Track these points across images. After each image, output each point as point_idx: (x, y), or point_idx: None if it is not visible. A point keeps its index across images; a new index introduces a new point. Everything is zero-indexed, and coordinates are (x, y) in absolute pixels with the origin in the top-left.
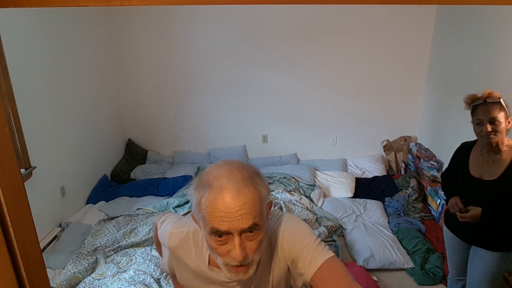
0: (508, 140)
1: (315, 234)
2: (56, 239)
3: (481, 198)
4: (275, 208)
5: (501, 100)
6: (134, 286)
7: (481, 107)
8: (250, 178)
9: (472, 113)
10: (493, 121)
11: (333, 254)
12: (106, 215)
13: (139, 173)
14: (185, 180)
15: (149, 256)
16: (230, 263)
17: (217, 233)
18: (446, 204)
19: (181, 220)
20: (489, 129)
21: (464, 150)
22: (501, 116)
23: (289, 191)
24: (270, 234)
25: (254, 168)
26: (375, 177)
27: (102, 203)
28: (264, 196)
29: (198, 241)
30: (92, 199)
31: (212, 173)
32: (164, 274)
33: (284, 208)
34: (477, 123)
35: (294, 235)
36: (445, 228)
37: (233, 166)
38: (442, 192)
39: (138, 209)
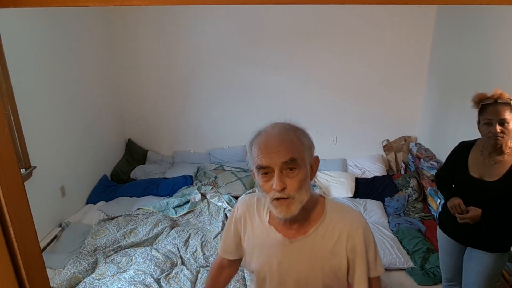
0: (511, 142)
1: None
2: (56, 239)
3: (480, 199)
4: None
5: None
6: (134, 286)
7: (491, 107)
8: (293, 129)
9: (480, 113)
10: (503, 123)
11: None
12: (106, 215)
13: (139, 173)
14: (185, 180)
15: (149, 256)
16: (273, 197)
17: (262, 169)
18: (444, 204)
19: (245, 195)
20: (498, 130)
21: (463, 149)
22: (510, 117)
23: None
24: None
25: (299, 127)
26: (375, 177)
27: (102, 203)
28: (305, 143)
29: (260, 206)
30: (92, 199)
31: (264, 128)
32: (164, 274)
33: None
34: (486, 123)
35: (361, 228)
36: (439, 231)
37: (280, 123)
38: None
39: (138, 209)
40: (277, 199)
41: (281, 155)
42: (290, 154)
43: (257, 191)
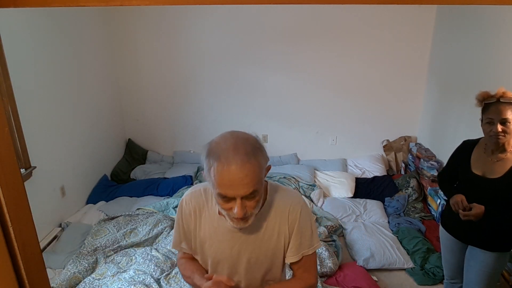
0: None
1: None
2: (56, 239)
3: (482, 196)
4: None
5: None
6: (134, 286)
7: (494, 106)
8: (253, 151)
9: (483, 111)
10: (505, 122)
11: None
12: (106, 215)
13: (139, 173)
14: (185, 180)
15: (149, 256)
16: (233, 216)
17: (224, 196)
18: (447, 202)
19: (190, 189)
20: (500, 129)
21: (466, 147)
22: None
23: None
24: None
25: (256, 140)
26: (375, 177)
27: (102, 203)
28: (263, 165)
29: (208, 196)
30: (92, 199)
31: (221, 146)
32: (164, 274)
33: None
34: (488, 122)
35: (300, 205)
36: (441, 228)
37: (239, 139)
38: (441, 191)
39: (138, 209)
40: (235, 218)
41: (244, 189)
42: (252, 187)
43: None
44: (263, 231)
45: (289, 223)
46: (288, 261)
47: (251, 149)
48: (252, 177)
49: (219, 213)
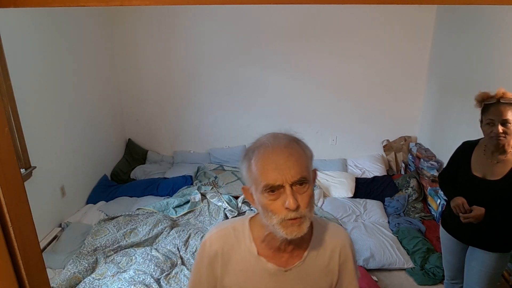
0: None
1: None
2: (56, 239)
3: (482, 198)
4: None
5: None
6: (134, 286)
7: (494, 107)
8: (295, 140)
9: (483, 112)
10: (505, 123)
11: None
12: (106, 215)
13: (139, 173)
14: (185, 180)
15: (149, 256)
16: (285, 218)
17: (270, 189)
18: (447, 203)
19: (214, 227)
20: (500, 130)
21: (466, 149)
22: None
23: None
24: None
25: (297, 136)
26: (375, 177)
27: (102, 203)
28: (308, 155)
29: (240, 235)
30: (92, 199)
31: (259, 140)
32: (164, 274)
33: None
34: (488, 123)
35: (349, 241)
36: (441, 229)
37: (277, 132)
38: (442, 192)
39: (138, 209)
40: (289, 221)
41: (291, 172)
42: (301, 172)
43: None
44: (312, 274)
45: (340, 262)
46: None
47: (293, 138)
48: (297, 158)
49: (259, 252)
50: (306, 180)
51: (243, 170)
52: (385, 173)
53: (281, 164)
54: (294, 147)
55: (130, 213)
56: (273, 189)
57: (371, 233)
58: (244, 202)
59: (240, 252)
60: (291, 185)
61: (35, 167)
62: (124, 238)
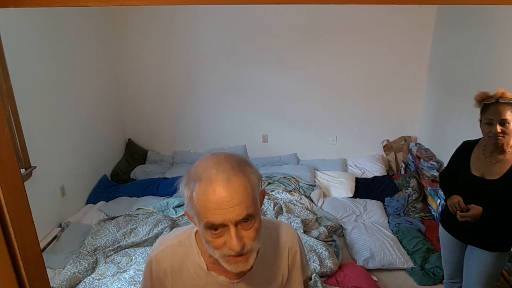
0: None
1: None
2: (56, 239)
3: (481, 197)
4: (275, 208)
5: None
6: (134, 286)
7: (493, 107)
8: (239, 166)
9: (482, 112)
10: (504, 123)
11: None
12: (106, 215)
13: (139, 173)
14: None
15: None
16: (228, 254)
17: (212, 227)
18: (445, 202)
19: (158, 243)
20: (499, 130)
21: (466, 148)
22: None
23: (289, 191)
24: (271, 230)
25: (242, 156)
26: (375, 177)
27: (102, 203)
28: (255, 183)
29: (188, 250)
30: (92, 199)
31: (201, 166)
32: None
33: (284, 208)
34: (487, 123)
35: (296, 237)
36: (441, 228)
37: (221, 156)
38: (442, 191)
39: (138, 209)
40: (232, 257)
41: (236, 212)
42: (245, 210)
43: (167, 236)
44: (262, 278)
45: (289, 261)
46: None
47: (237, 164)
48: (242, 195)
49: (208, 267)
50: (252, 216)
51: (185, 196)
52: (385, 173)
53: (223, 204)
54: (239, 179)
55: (130, 213)
56: (216, 227)
57: (371, 233)
58: None
59: (189, 267)
60: (236, 224)
61: (35, 167)
62: (124, 238)
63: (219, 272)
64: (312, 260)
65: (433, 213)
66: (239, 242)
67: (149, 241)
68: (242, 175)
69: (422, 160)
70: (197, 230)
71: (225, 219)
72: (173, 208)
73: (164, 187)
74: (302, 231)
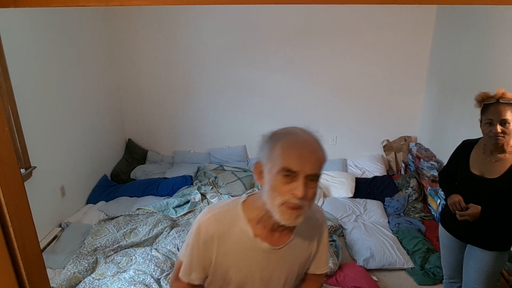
0: None
1: None
2: (56, 239)
3: (480, 196)
4: None
5: None
6: (134, 286)
7: (493, 107)
8: (319, 142)
9: (482, 112)
10: (504, 123)
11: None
12: (106, 215)
13: (139, 173)
14: (185, 180)
15: (149, 256)
16: (289, 201)
17: (287, 172)
18: (445, 201)
19: (207, 210)
20: (499, 130)
21: (466, 147)
22: None
23: None
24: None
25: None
26: (375, 177)
27: (102, 203)
28: (325, 160)
29: (234, 217)
30: (92, 199)
31: (288, 128)
32: (164, 274)
33: None
34: (487, 123)
35: (325, 217)
36: (440, 227)
37: (304, 129)
38: (442, 190)
39: (138, 209)
40: (290, 206)
41: (312, 166)
42: (319, 169)
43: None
44: (299, 250)
45: (319, 237)
46: (317, 271)
47: (318, 139)
48: (319, 156)
49: (255, 234)
50: (318, 177)
51: (266, 147)
52: (385, 173)
53: (305, 154)
54: (319, 148)
55: (130, 213)
56: (288, 174)
57: (371, 233)
58: None
59: (236, 233)
60: (305, 177)
61: (35, 167)
62: (124, 238)
63: (263, 238)
64: None
65: (433, 213)
66: (305, 190)
67: (149, 241)
68: (320, 148)
69: (422, 160)
70: (243, 201)
71: (301, 169)
72: (173, 208)
73: (164, 187)
74: None
